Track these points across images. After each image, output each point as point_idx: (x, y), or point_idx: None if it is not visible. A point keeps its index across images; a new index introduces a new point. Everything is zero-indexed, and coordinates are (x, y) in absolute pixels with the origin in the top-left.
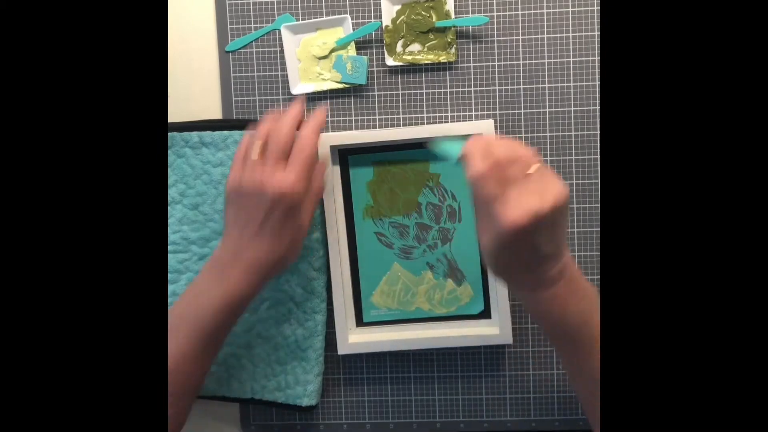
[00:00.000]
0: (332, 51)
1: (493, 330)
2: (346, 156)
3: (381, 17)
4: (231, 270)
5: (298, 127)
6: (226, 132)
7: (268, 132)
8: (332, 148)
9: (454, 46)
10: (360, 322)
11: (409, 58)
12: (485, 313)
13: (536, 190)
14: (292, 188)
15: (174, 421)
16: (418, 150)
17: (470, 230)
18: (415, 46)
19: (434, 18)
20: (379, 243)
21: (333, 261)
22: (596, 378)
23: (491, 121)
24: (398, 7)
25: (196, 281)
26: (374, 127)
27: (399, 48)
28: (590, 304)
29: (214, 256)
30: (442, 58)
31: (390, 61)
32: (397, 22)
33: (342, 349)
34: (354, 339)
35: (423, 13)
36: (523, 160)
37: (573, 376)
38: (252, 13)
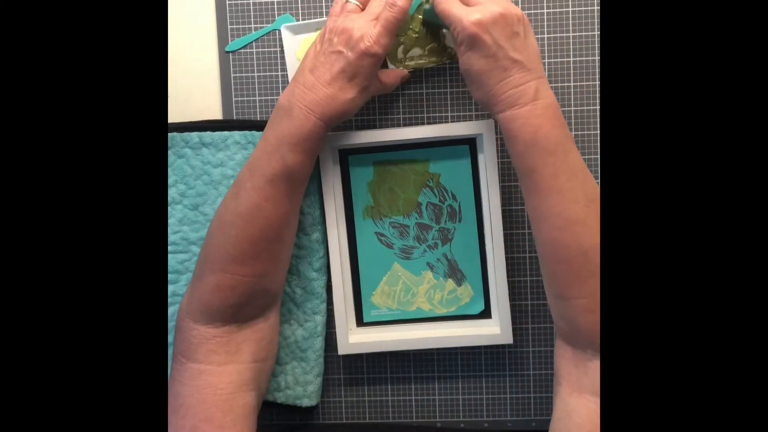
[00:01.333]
0: None
1: (494, 330)
2: (346, 156)
3: None
4: (300, 109)
5: None
6: (226, 132)
7: None
8: (332, 148)
9: (454, 45)
10: (360, 322)
11: (412, 63)
12: (485, 313)
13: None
14: (377, 42)
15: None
16: (418, 150)
17: (471, 230)
18: (416, 51)
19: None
20: (380, 243)
21: (333, 261)
22: (557, 224)
23: (492, 121)
24: None
25: (266, 128)
26: (374, 127)
27: (400, 54)
28: (563, 138)
29: (279, 104)
30: (446, 59)
31: (392, 68)
32: None
33: (342, 350)
34: (354, 339)
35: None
36: None
37: (534, 219)
38: (252, 13)
